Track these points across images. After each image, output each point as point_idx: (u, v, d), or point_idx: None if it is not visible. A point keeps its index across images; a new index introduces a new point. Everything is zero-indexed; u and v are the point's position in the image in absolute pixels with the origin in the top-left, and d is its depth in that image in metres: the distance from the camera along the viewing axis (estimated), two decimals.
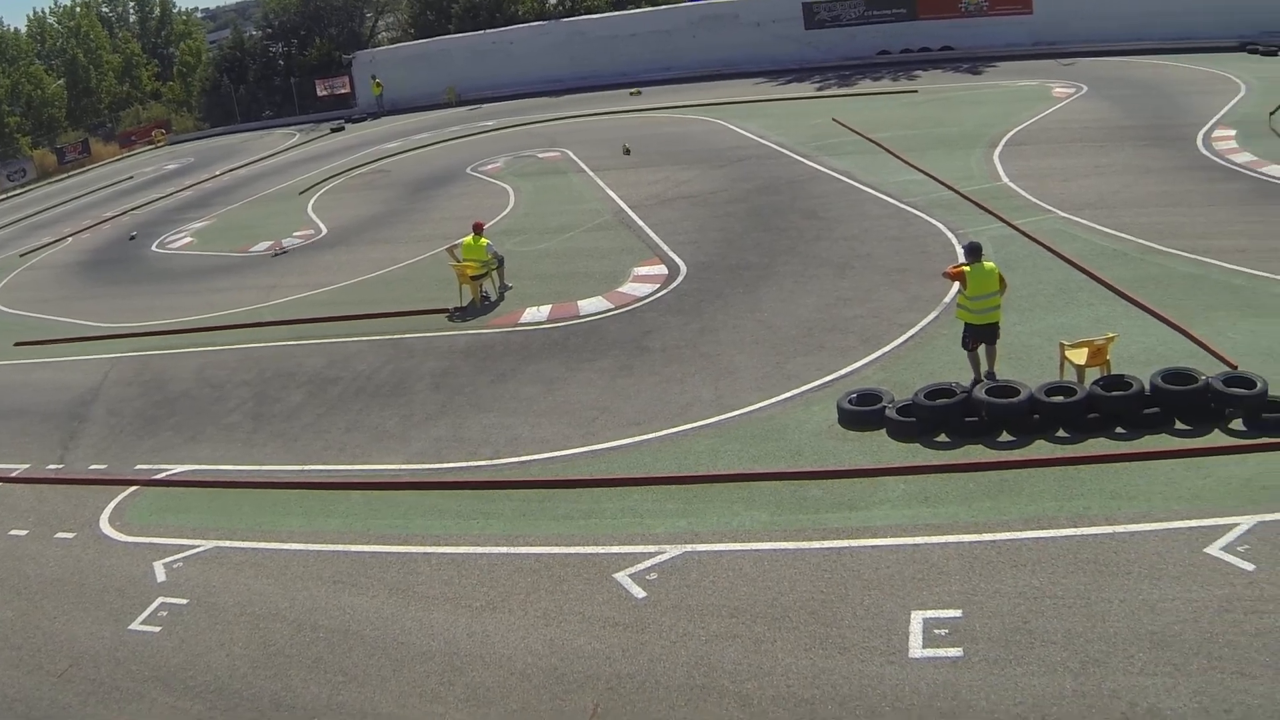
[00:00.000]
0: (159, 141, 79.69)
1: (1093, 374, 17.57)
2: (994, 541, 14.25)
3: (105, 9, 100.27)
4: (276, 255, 37.02)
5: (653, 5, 70.36)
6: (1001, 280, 18.33)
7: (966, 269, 18.18)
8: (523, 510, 17.29)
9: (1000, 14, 56.28)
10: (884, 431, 17.69)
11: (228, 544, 17.85)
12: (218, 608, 15.93)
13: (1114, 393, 16.66)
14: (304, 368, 25.43)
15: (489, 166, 45.75)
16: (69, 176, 72.85)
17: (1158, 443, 16.07)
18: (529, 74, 67.61)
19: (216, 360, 27.12)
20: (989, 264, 18.36)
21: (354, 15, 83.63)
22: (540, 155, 46.37)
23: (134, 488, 20.73)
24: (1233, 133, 33.34)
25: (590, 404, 20.84)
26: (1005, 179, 31.32)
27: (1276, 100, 36.60)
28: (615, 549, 15.66)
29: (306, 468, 20.37)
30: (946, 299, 22.16)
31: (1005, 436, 16.86)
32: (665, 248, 29.84)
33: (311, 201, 45.60)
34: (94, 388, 26.72)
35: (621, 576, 14.89)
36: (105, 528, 19.24)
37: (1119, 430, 16.50)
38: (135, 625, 15.84)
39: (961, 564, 13.88)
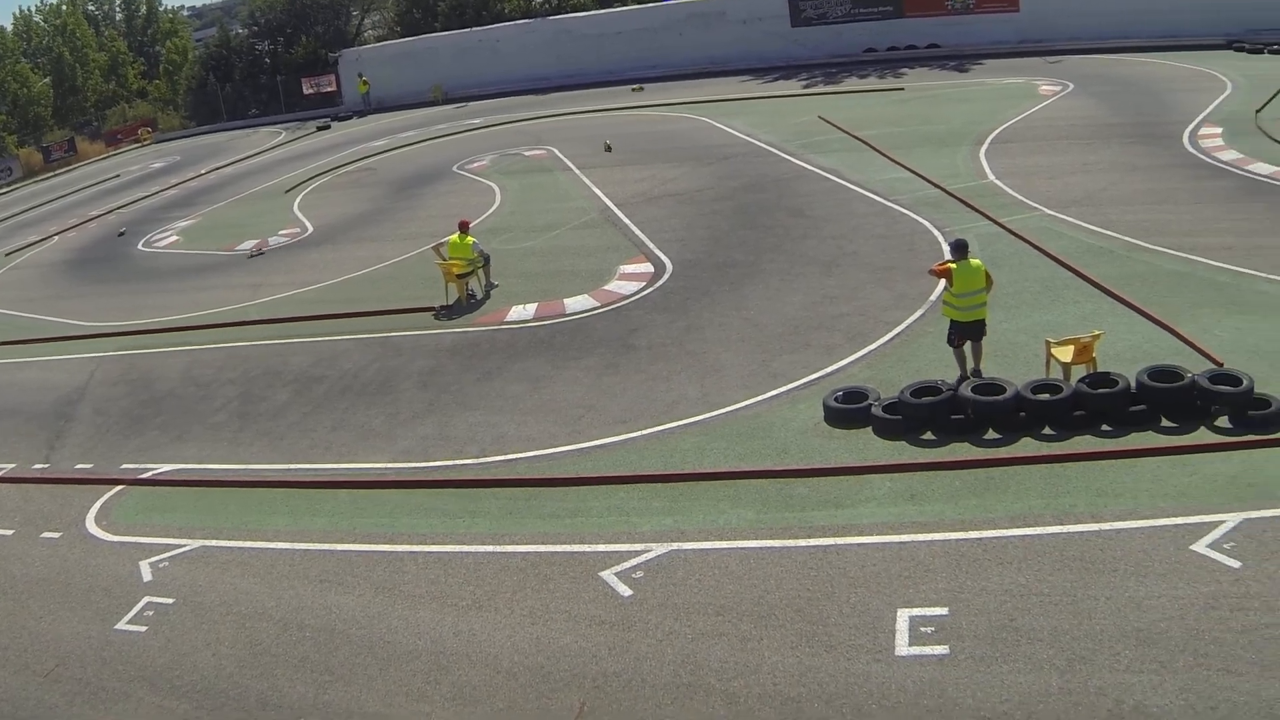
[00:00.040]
0: (145, 140, 79.46)
1: (1079, 371, 17.58)
2: (980, 539, 14.26)
3: (91, 7, 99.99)
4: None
5: (639, 3, 70.27)
6: (988, 277, 18.35)
7: (953, 266, 18.18)
8: (509, 509, 17.26)
9: (987, 12, 56.36)
10: (870, 429, 17.69)
11: (214, 543, 17.79)
12: (204, 607, 15.87)
13: (1100, 390, 16.69)
14: (290, 366, 25.36)
15: (475, 164, 45.67)
16: (55, 175, 72.56)
17: (1144, 440, 16.09)
18: (515, 72, 67.51)
19: (202, 359, 27.03)
20: (975, 261, 18.37)
21: (340, 13, 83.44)
22: (526, 153, 46.31)
23: (120, 487, 20.65)
24: (1219, 130, 33.43)
25: (576, 402, 20.82)
26: (991, 176, 31.35)
27: (1262, 98, 36.74)
28: (601, 547, 15.64)
29: (292, 466, 20.30)
30: (932, 296, 22.17)
31: (991, 434, 16.88)
32: (651, 246, 29.82)
33: (298, 200, 45.47)
34: (80, 387, 26.63)
35: (608, 575, 14.87)
36: (91, 527, 19.16)
37: (1105, 428, 16.53)
38: (121, 625, 15.78)
39: (948, 561, 13.88)
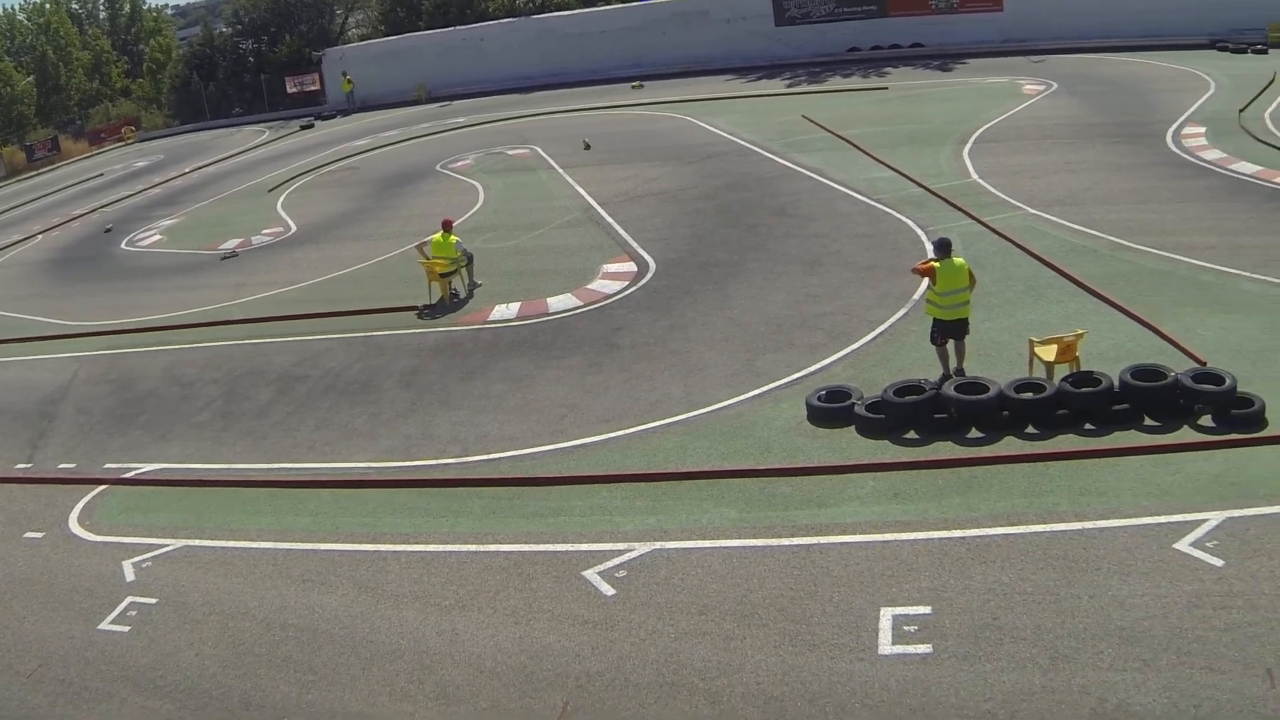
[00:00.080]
0: (128, 139, 79.23)
1: (1062, 370, 17.60)
2: (963, 538, 14.26)
3: (75, 6, 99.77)
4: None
5: (623, 2, 70.27)
6: (971, 276, 18.36)
7: (936, 265, 18.19)
8: (492, 508, 17.22)
9: (970, 11, 56.52)
10: (853, 428, 17.68)
11: (197, 543, 17.71)
12: (187, 607, 15.80)
13: (1083, 389, 16.71)
14: (273, 365, 25.29)
15: (459, 164, 45.63)
16: (38, 174, 72.30)
17: (1127, 439, 16.12)
18: (499, 71, 67.53)
19: (186, 358, 26.92)
20: (959, 260, 18.38)
21: (324, 12, 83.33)
22: (510, 152, 46.26)
23: (103, 487, 20.55)
24: (1202, 130, 33.54)
25: (559, 401, 20.78)
26: (975, 176, 31.40)
27: (1246, 98, 36.89)
28: (584, 546, 15.60)
29: (275, 466, 20.22)
30: (916, 295, 22.19)
31: (974, 433, 16.88)
32: (635, 245, 29.80)
33: (281, 199, 45.36)
34: (63, 386, 26.51)
35: (591, 574, 14.83)
36: (74, 527, 19.06)
37: (1088, 427, 16.55)
38: (104, 625, 15.70)
39: (931, 560, 13.88)
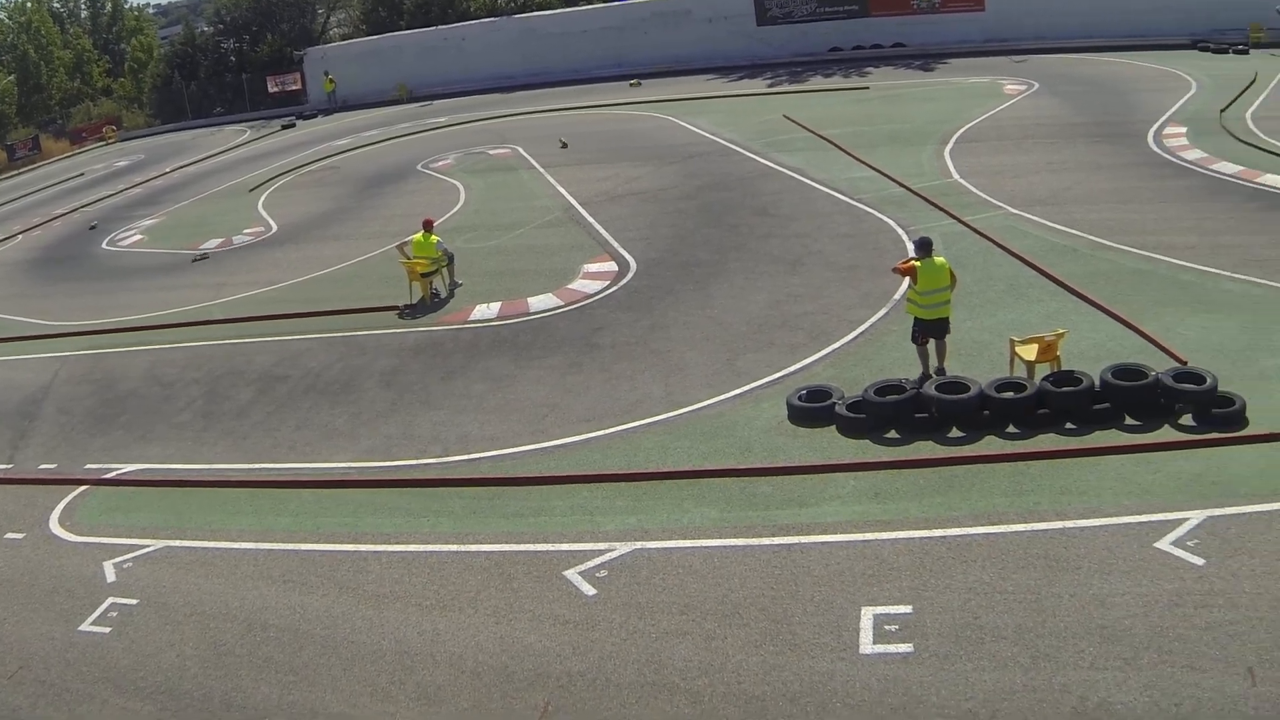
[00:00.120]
0: (110, 138, 78.88)
1: (1043, 370, 17.62)
2: (944, 537, 14.25)
3: (56, 4, 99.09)
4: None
5: (604, 1, 70.25)
6: (952, 275, 18.38)
7: (917, 264, 18.20)
8: (472, 508, 17.18)
9: (952, 11, 56.66)
10: (834, 428, 17.66)
11: (178, 543, 17.62)
12: (168, 608, 15.72)
13: (1064, 388, 16.73)
14: (254, 365, 25.19)
15: (440, 163, 45.53)
16: (19, 173, 71.91)
17: (1108, 438, 16.14)
18: (480, 70, 67.40)
19: (167, 358, 26.79)
20: (939, 259, 18.39)
21: (306, 11, 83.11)
22: (491, 152, 46.18)
23: (84, 487, 20.44)
24: (1183, 130, 33.66)
25: (540, 401, 20.74)
26: (956, 175, 31.45)
27: (1227, 98, 37.03)
28: (565, 546, 15.57)
29: (256, 466, 20.15)
30: (897, 295, 22.19)
31: (955, 432, 16.89)
32: (615, 244, 29.77)
33: (262, 199, 45.19)
34: (44, 386, 26.36)
35: (571, 574, 14.80)
36: (55, 528, 18.95)
37: (1069, 426, 16.57)
38: (85, 626, 15.61)
39: (912, 560, 13.87)
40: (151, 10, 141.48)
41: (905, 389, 17.42)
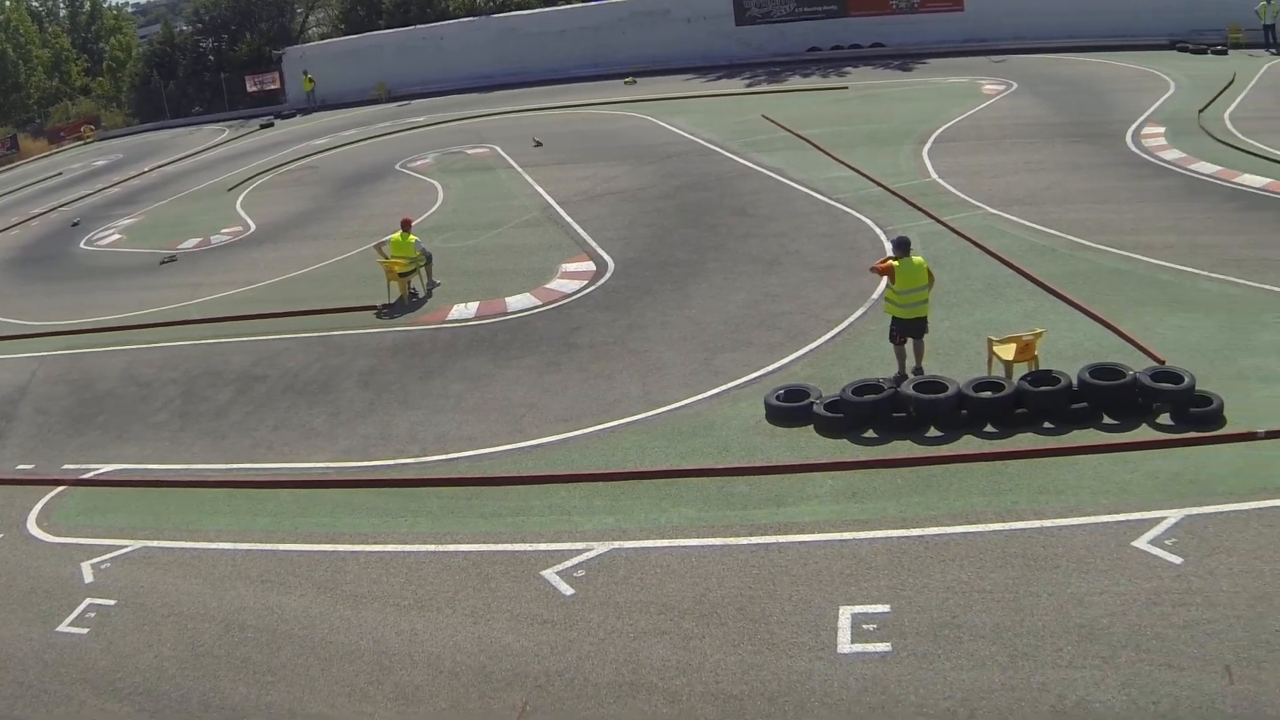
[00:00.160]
0: (88, 137, 78.49)
1: (1021, 369, 17.64)
2: (922, 536, 14.25)
3: (35, 3, 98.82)
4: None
5: (583, 1, 70.22)
6: (929, 275, 18.36)
7: (895, 263, 18.18)
8: (450, 508, 17.13)
9: (931, 11, 56.74)
10: (811, 427, 17.65)
11: (155, 544, 17.53)
12: (146, 608, 15.64)
13: (1042, 388, 16.73)
14: (231, 365, 25.09)
15: (418, 163, 45.46)
16: None
17: (1085, 437, 16.15)
18: (459, 70, 67.26)
19: (144, 358, 26.67)
20: (917, 258, 18.36)
21: (285, 10, 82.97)
22: (469, 152, 46.13)
23: (61, 488, 20.32)
24: (1162, 130, 33.77)
25: (518, 401, 20.69)
26: (934, 175, 31.49)
27: (1205, 98, 37.13)
28: (543, 546, 15.53)
29: (234, 466, 20.07)
30: (874, 295, 22.20)
31: (933, 432, 16.89)
32: (594, 244, 29.73)
33: (240, 198, 45.06)
34: (21, 386, 26.22)
35: (549, 574, 14.76)
36: (32, 528, 18.83)
37: (1047, 425, 16.58)
38: (63, 627, 15.52)
39: (889, 559, 13.86)
40: (130, 9, 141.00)
41: (883, 388, 17.40)
